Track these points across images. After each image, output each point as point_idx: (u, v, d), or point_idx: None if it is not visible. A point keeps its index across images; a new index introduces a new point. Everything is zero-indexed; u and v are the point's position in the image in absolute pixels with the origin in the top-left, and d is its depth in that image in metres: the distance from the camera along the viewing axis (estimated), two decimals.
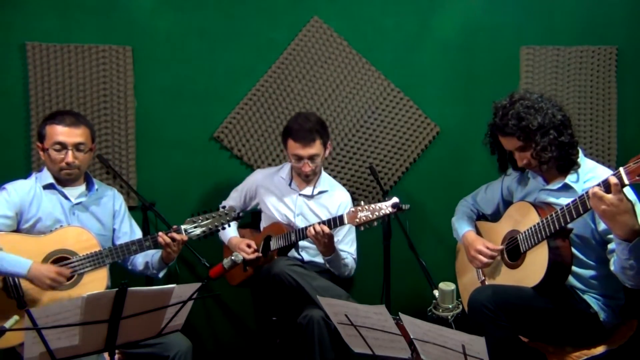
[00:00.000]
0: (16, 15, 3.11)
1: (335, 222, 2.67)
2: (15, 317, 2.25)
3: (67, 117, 2.49)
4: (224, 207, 2.59)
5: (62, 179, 2.52)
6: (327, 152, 2.91)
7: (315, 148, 2.79)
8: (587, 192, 2.01)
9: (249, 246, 2.88)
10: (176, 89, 3.28)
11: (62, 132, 2.45)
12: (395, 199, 2.57)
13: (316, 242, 2.69)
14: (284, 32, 3.32)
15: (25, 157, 3.16)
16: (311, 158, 2.81)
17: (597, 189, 1.95)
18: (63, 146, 2.46)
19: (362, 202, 2.62)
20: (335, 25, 3.33)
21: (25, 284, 2.34)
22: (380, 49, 3.37)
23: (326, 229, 2.64)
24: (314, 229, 2.65)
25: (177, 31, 3.25)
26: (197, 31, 3.26)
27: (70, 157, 2.45)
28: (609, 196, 1.92)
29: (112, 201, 2.67)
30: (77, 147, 2.47)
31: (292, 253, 2.90)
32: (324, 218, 2.89)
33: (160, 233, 2.49)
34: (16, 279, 2.33)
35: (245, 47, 3.30)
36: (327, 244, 2.69)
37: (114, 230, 2.67)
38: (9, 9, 3.10)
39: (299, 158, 2.81)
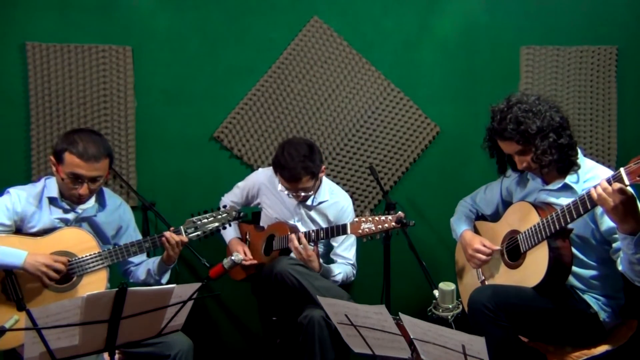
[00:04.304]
0: (16, 15, 3.11)
1: (338, 230, 2.64)
2: (15, 317, 2.26)
3: (90, 148, 2.34)
4: (224, 206, 2.58)
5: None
6: (322, 175, 2.83)
7: (303, 183, 2.72)
8: (601, 186, 1.96)
9: (245, 253, 2.89)
10: (176, 89, 3.28)
11: (81, 166, 2.33)
12: (400, 214, 2.50)
13: (298, 256, 2.67)
14: (284, 32, 3.32)
15: (25, 157, 3.16)
16: (301, 189, 2.76)
17: (618, 183, 1.92)
18: (79, 178, 2.36)
19: (367, 213, 2.58)
20: (335, 25, 3.33)
21: (23, 283, 2.34)
22: (380, 49, 3.36)
23: (307, 245, 2.63)
24: (295, 240, 2.64)
25: (177, 31, 3.25)
26: (197, 31, 3.26)
27: (84, 189, 2.38)
28: (629, 189, 1.89)
29: (118, 219, 2.61)
30: (93, 180, 2.39)
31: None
32: (325, 226, 2.87)
33: (163, 234, 2.47)
34: (15, 281, 2.33)
35: (245, 47, 3.30)
36: (310, 261, 2.67)
37: (115, 245, 2.60)
38: (8, 9, 3.10)
39: (289, 189, 2.79)
